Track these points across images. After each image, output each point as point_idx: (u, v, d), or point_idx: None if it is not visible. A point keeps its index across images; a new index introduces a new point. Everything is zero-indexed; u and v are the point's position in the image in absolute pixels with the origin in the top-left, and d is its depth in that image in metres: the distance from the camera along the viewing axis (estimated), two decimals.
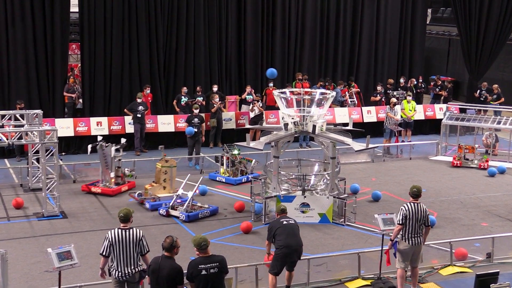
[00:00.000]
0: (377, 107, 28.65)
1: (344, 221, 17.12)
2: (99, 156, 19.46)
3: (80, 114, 25.68)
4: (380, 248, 13.55)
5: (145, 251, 11.04)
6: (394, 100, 26.34)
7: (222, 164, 21.18)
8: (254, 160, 21.13)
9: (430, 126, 29.62)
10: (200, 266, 10.18)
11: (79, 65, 27.31)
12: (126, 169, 20.16)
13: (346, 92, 28.70)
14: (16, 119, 19.06)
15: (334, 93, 18.35)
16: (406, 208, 12.75)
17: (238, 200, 18.69)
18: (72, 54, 32.76)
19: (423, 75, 32.52)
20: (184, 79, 26.93)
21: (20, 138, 17.41)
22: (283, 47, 29.21)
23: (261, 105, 25.96)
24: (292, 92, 18.56)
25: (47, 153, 17.62)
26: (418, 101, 30.31)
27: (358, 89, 29.69)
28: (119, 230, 10.96)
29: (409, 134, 27.16)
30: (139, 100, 24.15)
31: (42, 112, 19.76)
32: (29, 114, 19.25)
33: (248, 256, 14.90)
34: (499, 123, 24.38)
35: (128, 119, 24.56)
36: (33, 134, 17.60)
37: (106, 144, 19.34)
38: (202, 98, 25.75)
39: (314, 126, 17.06)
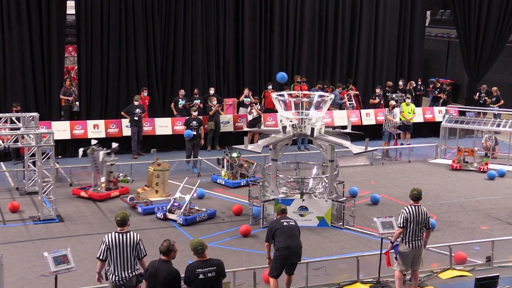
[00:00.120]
0: (376, 109, 28.56)
1: (343, 225, 17.06)
2: (89, 161, 19.30)
3: (77, 117, 25.59)
4: (379, 252, 13.49)
5: (142, 255, 10.99)
6: (393, 102, 26.25)
7: (224, 167, 21.09)
8: (255, 163, 21.00)
9: (429, 129, 29.54)
10: (197, 270, 10.17)
11: (76, 67, 27.21)
12: (120, 174, 19.93)
13: (345, 95, 28.60)
14: (12, 122, 18.91)
15: (332, 96, 18.29)
16: (407, 211, 12.70)
17: (236, 203, 18.58)
18: (69, 56, 32.72)
19: (422, 78, 32.47)
20: (181, 81, 26.88)
21: (16, 141, 17.45)
22: (281, 49, 29.14)
23: (259, 107, 25.89)
24: (290, 95, 18.51)
25: (43, 156, 17.48)
26: (417, 103, 30.27)
27: (357, 92, 29.58)
28: (116, 234, 10.92)
29: (408, 137, 27.08)
30: (136, 103, 24.03)
31: (38, 114, 19.65)
32: (25, 117, 19.10)
33: (246, 260, 14.82)
34: (498, 125, 24.28)
35: (125, 122, 24.44)
36: (29, 137, 17.47)
37: (97, 148, 19.12)
38: (199, 100, 25.65)
39: (312, 129, 17.01)
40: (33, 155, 18.81)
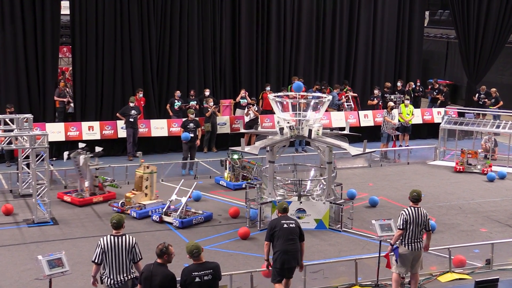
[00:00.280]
0: (374, 111, 28.49)
1: (341, 227, 16.96)
2: (73, 165, 19.06)
3: (71, 119, 25.49)
4: (378, 255, 13.40)
5: (138, 259, 10.96)
6: (391, 104, 26.14)
7: (226, 168, 21.01)
8: (257, 164, 20.81)
9: (428, 131, 29.46)
10: (193, 274, 10.14)
11: (70, 68, 27.09)
12: (108, 179, 19.45)
13: (343, 96, 28.47)
14: (5, 123, 18.91)
15: (330, 97, 18.24)
16: (407, 212, 12.65)
17: (233, 206, 18.50)
18: (63, 57, 32.64)
19: (421, 79, 32.49)
20: (177, 82, 26.78)
21: (10, 143, 17.34)
22: (279, 50, 29.06)
23: (256, 109, 25.77)
24: (287, 96, 18.36)
25: (37, 158, 17.37)
26: (416, 105, 30.22)
27: (356, 94, 29.44)
28: (112, 237, 10.90)
29: (406, 138, 27.02)
30: (131, 104, 23.93)
31: (32, 116, 19.64)
32: (19, 119, 19.09)
33: (243, 262, 14.75)
34: (498, 127, 24.19)
35: (121, 123, 24.32)
36: (23, 138, 17.39)
37: (82, 152, 18.82)
38: (195, 102, 25.50)
39: (310, 131, 16.93)
40: (27, 157, 18.68)
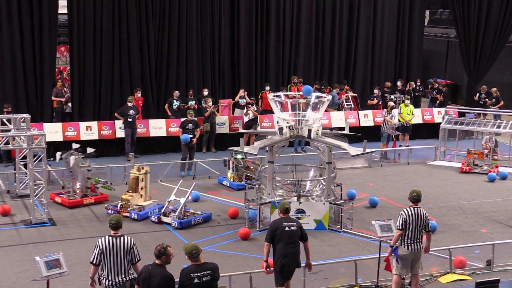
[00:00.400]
0: (374, 111, 28.44)
1: (341, 228, 16.92)
2: (65, 166, 18.93)
3: (69, 119, 25.41)
4: (378, 256, 13.35)
5: (136, 260, 10.92)
6: (391, 103, 26.08)
7: (229, 168, 20.97)
8: (261, 165, 20.70)
9: (428, 130, 29.39)
10: (192, 275, 10.09)
11: (68, 68, 27.02)
12: (101, 181, 19.16)
13: (343, 96, 28.39)
14: (3, 123, 18.88)
15: (329, 97, 18.22)
16: (406, 213, 12.60)
17: (232, 206, 18.45)
18: (61, 56, 32.56)
19: (421, 78, 32.43)
20: (176, 82, 26.74)
21: (7, 143, 17.31)
22: (278, 50, 29.02)
23: (255, 109, 25.70)
24: (287, 96, 18.33)
25: (35, 158, 17.37)
26: (416, 104, 30.15)
27: (355, 94, 29.35)
28: (110, 238, 10.85)
29: (407, 138, 26.97)
30: (130, 104, 23.86)
31: (29, 116, 19.64)
32: (16, 119, 19.06)
33: (242, 263, 14.70)
34: (499, 127, 24.09)
35: (119, 123, 24.27)
36: (21, 139, 17.39)
37: (74, 153, 18.65)
38: (194, 102, 25.42)
39: (309, 131, 16.90)
40: (25, 157, 18.59)
